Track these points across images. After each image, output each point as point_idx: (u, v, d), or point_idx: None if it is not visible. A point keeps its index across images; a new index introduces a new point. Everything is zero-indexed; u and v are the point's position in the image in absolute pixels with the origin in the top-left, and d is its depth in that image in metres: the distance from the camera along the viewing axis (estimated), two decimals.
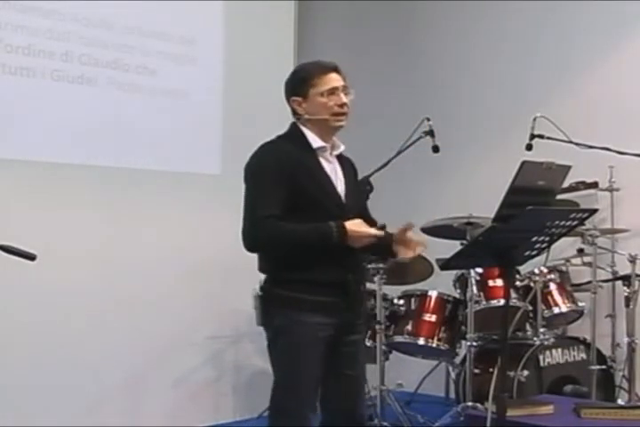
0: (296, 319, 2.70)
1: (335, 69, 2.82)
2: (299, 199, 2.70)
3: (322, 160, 2.81)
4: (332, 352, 2.78)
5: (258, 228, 2.67)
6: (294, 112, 2.85)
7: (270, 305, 2.80)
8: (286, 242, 2.69)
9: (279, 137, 2.87)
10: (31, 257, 2.56)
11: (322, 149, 2.82)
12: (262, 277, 2.86)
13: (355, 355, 2.87)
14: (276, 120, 5.03)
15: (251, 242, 2.69)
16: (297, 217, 2.67)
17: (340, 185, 2.82)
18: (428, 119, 4.03)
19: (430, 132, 4.02)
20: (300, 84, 2.81)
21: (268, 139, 2.87)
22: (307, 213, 2.70)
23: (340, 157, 2.90)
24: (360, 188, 2.99)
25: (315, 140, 2.80)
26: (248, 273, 4.57)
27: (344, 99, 2.79)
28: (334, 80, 2.79)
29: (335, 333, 2.76)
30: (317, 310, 2.70)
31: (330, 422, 2.87)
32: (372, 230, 2.68)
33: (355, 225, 2.66)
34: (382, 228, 2.75)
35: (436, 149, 4.03)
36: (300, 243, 2.68)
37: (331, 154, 2.86)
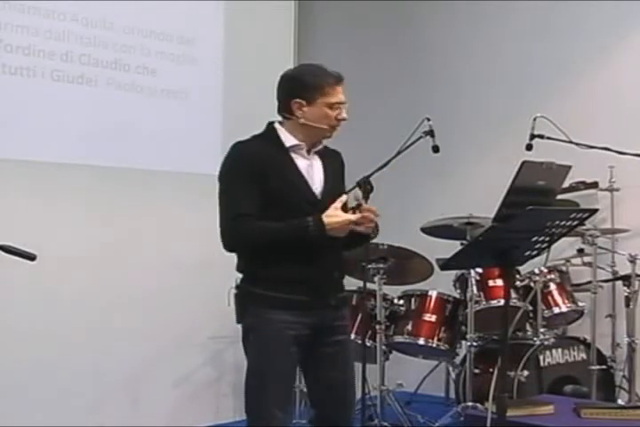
0: (265, 317, 2.70)
1: (342, 81, 2.78)
2: (271, 198, 2.68)
3: (296, 158, 2.77)
4: (312, 353, 2.77)
5: (234, 227, 2.67)
6: (289, 112, 2.77)
7: (243, 303, 2.82)
8: (263, 240, 2.68)
9: (254, 136, 2.84)
10: (31, 257, 2.57)
11: (296, 147, 2.78)
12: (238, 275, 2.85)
13: (339, 356, 2.83)
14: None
15: (229, 242, 2.70)
16: (270, 216, 2.66)
17: (317, 182, 2.79)
18: (428, 119, 4.02)
19: (430, 132, 4.01)
20: (311, 88, 2.73)
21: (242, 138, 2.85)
22: (279, 211, 2.67)
23: (323, 153, 2.86)
24: (341, 180, 2.92)
25: (288, 139, 2.77)
26: None
27: (345, 114, 2.76)
28: (341, 94, 2.76)
29: (311, 332, 2.74)
30: (286, 307, 2.69)
31: (318, 422, 2.88)
32: (349, 216, 2.65)
33: (330, 216, 2.62)
34: (357, 207, 2.70)
35: (436, 148, 4.03)
36: (277, 240, 2.66)
37: (308, 152, 2.81)
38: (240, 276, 2.84)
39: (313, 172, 2.79)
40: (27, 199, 3.99)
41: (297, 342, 2.72)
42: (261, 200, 2.67)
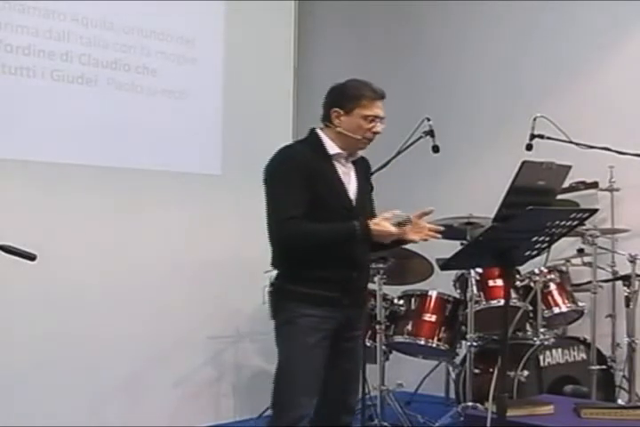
0: (300, 312, 2.86)
1: (383, 98, 2.97)
2: (313, 202, 2.84)
3: (337, 166, 2.95)
4: (335, 346, 2.93)
5: (285, 229, 2.83)
6: (328, 120, 2.96)
7: (279, 299, 2.96)
8: (312, 242, 2.85)
9: (298, 142, 3.03)
10: (31, 257, 2.57)
11: (338, 155, 2.95)
12: (272, 274, 3.02)
13: (353, 350, 3.04)
14: (275, 120, 5.10)
15: (279, 242, 2.88)
16: (309, 218, 2.82)
17: (352, 189, 2.97)
18: (428, 119, 4.03)
19: (430, 132, 4.03)
20: (349, 99, 2.92)
21: (288, 142, 3.04)
22: (318, 215, 2.83)
23: (355, 160, 3.04)
24: (369, 188, 3.12)
25: (332, 147, 2.94)
26: (248, 273, 4.59)
27: (379, 128, 2.94)
28: (379, 109, 2.95)
29: (338, 327, 2.91)
30: (320, 304, 2.85)
31: (323, 411, 2.99)
32: (392, 228, 2.79)
33: (377, 224, 2.79)
34: (405, 223, 2.85)
35: (436, 148, 4.03)
36: (326, 242, 2.84)
37: (347, 160, 2.99)
38: (274, 273, 3.00)
39: (350, 180, 2.98)
40: (27, 199, 3.98)
41: (328, 335, 2.88)
42: (306, 202, 2.83)
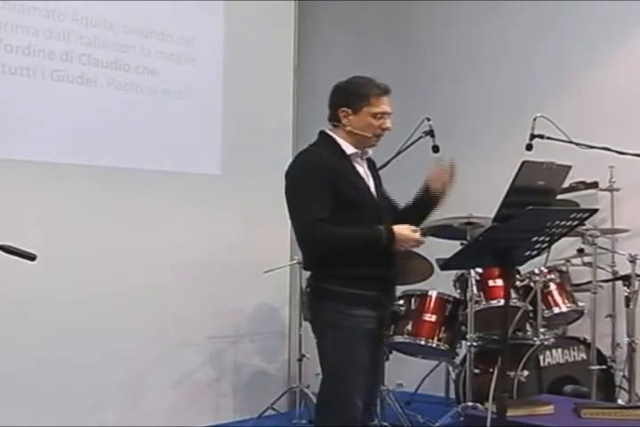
0: (345, 313, 2.86)
1: (389, 93, 3.00)
2: (339, 201, 2.85)
3: (355, 165, 2.99)
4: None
5: (311, 232, 2.84)
6: (337, 120, 2.97)
7: (318, 300, 2.95)
8: (338, 245, 2.85)
9: (312, 146, 3.02)
10: (31, 257, 2.57)
11: (354, 154, 3.00)
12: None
13: (383, 345, 3.16)
14: (275, 120, 5.10)
15: (307, 245, 2.90)
16: (339, 217, 2.83)
17: (372, 186, 3.03)
18: (428, 119, 4.03)
19: (430, 132, 4.03)
20: (357, 98, 2.94)
21: (305, 147, 3.04)
22: (347, 212, 2.87)
23: (367, 160, 3.11)
24: (382, 185, 3.16)
25: (347, 147, 2.98)
26: (248, 273, 4.60)
27: (389, 124, 2.98)
28: (386, 104, 2.99)
29: (377, 326, 2.94)
30: (363, 303, 2.87)
31: None
32: (418, 236, 2.85)
33: (403, 229, 2.84)
34: (426, 233, 2.95)
35: (436, 148, 4.03)
36: (351, 246, 2.84)
37: (361, 158, 3.04)
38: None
39: (368, 176, 3.04)
40: (27, 199, 3.98)
41: (371, 334, 2.91)
42: (333, 204, 2.84)
